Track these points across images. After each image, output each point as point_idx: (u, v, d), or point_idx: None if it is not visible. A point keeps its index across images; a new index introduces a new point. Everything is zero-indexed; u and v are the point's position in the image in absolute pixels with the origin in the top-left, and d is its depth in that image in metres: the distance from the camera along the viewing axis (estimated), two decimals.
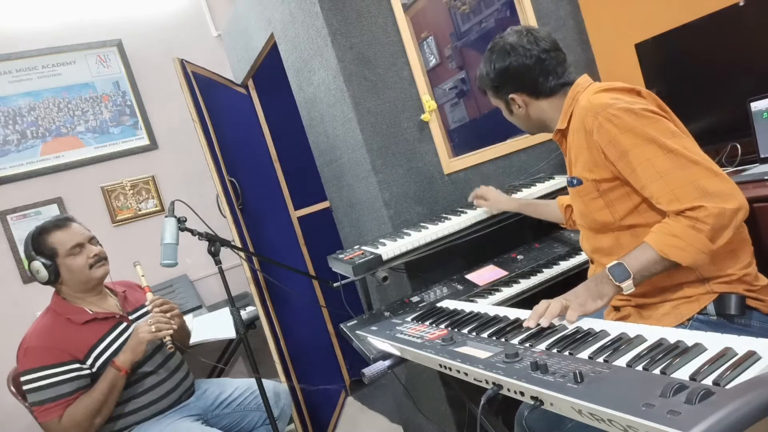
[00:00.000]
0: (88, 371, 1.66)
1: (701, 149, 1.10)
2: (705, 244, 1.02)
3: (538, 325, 1.05)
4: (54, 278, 1.73)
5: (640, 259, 1.07)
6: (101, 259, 1.81)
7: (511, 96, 1.32)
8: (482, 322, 1.18)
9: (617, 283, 1.07)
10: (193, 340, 2.35)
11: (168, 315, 1.76)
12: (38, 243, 1.73)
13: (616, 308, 1.30)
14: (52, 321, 1.72)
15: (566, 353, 0.90)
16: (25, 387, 1.61)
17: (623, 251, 1.20)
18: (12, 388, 2.00)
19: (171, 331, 1.72)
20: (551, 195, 1.82)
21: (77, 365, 1.65)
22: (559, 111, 1.29)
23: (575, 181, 1.26)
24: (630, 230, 1.21)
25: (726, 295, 1.11)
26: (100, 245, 1.85)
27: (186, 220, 1.73)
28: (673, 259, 1.05)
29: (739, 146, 1.84)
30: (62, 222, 1.78)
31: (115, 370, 1.64)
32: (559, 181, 1.91)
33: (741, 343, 0.76)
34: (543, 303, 1.08)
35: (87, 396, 1.63)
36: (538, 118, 1.34)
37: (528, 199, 1.78)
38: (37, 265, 1.71)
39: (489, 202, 1.73)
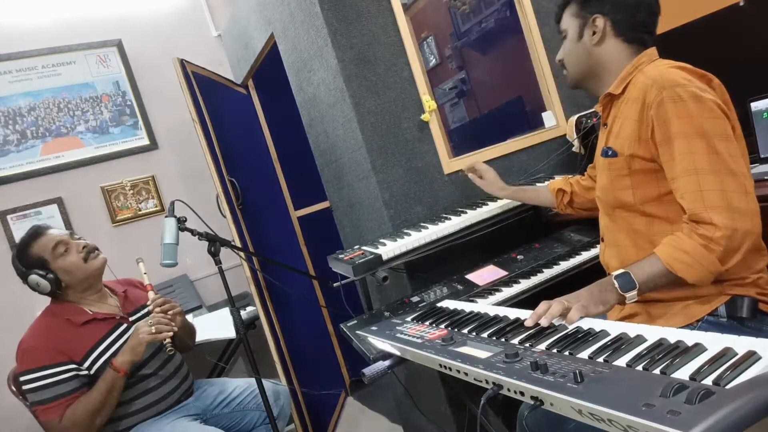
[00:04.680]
0: (86, 372, 1.66)
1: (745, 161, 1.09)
2: (714, 265, 1.02)
3: (538, 324, 1.04)
4: (56, 286, 1.70)
5: (647, 271, 1.06)
6: (92, 249, 1.79)
7: (596, 16, 1.23)
8: (482, 322, 1.18)
9: (621, 293, 1.06)
10: None
11: (169, 314, 1.74)
12: (24, 258, 1.71)
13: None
14: (50, 321, 1.70)
15: (566, 353, 0.90)
16: (24, 387, 1.61)
17: (634, 235, 1.19)
18: (12, 387, 2.00)
19: (171, 333, 1.69)
20: None
21: (74, 366, 1.64)
22: (618, 67, 1.24)
23: (610, 152, 1.22)
24: (646, 218, 1.19)
25: (738, 297, 1.10)
26: (83, 239, 1.83)
27: (186, 220, 1.73)
28: (680, 274, 1.04)
29: None
30: (37, 231, 1.76)
31: (114, 372, 1.63)
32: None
33: (741, 343, 0.76)
34: (544, 304, 1.08)
35: (86, 396, 1.62)
36: (600, 58, 1.25)
37: (521, 185, 1.78)
38: (35, 278, 1.68)
39: (483, 182, 1.73)
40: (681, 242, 1.05)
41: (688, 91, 1.06)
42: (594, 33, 1.25)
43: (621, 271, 1.08)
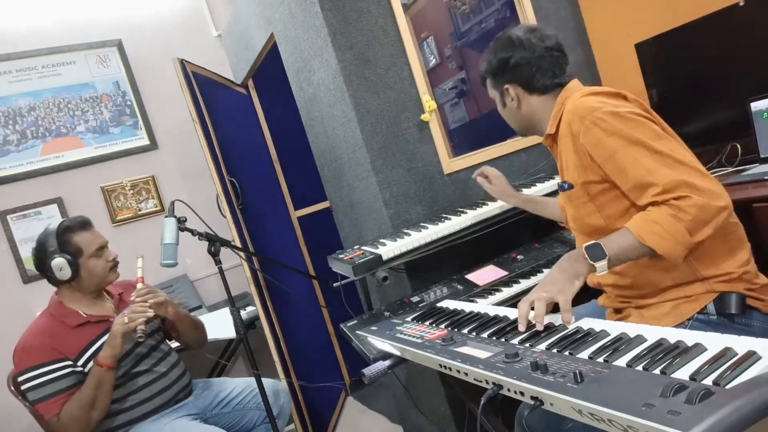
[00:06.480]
0: (81, 369, 1.68)
1: (696, 150, 1.12)
2: (683, 235, 1.02)
3: (532, 327, 1.03)
4: (73, 277, 1.73)
5: (619, 242, 1.07)
6: (116, 264, 1.85)
7: (506, 87, 1.34)
8: (482, 322, 1.18)
9: (591, 263, 1.06)
10: None
11: (150, 302, 1.72)
12: (64, 240, 1.72)
13: (617, 310, 1.30)
14: (46, 323, 1.73)
15: (566, 353, 0.90)
16: (23, 387, 1.63)
17: None
18: (12, 388, 2.00)
19: (143, 320, 1.66)
20: (551, 195, 1.82)
21: (69, 363, 1.66)
22: (550, 112, 1.31)
23: (566, 186, 1.27)
24: None
25: (726, 294, 1.11)
26: (113, 251, 1.88)
27: (186, 220, 1.73)
28: (650, 245, 1.04)
29: (739, 146, 1.84)
30: (86, 223, 1.80)
31: (98, 367, 1.64)
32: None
33: (741, 343, 0.76)
34: (524, 304, 1.06)
35: (78, 393, 1.64)
36: (527, 115, 1.35)
37: (531, 195, 1.77)
38: (61, 261, 1.69)
39: (493, 187, 1.71)
40: (651, 214, 1.06)
41: (605, 111, 1.12)
42: (512, 99, 1.35)
43: (592, 242, 1.08)
